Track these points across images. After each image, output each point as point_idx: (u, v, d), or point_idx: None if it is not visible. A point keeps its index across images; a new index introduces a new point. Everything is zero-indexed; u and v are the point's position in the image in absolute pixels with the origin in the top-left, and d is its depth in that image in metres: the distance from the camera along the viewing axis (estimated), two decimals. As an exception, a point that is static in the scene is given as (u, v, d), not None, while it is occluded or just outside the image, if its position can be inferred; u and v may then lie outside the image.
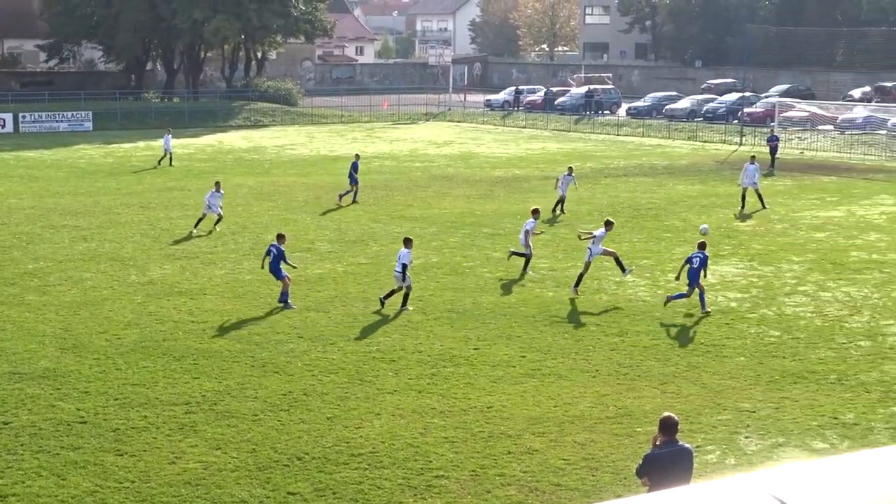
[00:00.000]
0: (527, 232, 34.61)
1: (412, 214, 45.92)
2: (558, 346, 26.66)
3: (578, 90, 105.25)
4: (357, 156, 51.54)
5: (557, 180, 47.16)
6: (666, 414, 14.53)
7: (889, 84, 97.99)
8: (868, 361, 25.43)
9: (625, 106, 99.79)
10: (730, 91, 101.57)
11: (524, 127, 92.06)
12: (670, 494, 9.75)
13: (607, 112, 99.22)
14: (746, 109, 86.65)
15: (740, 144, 74.51)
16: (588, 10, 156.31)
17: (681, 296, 29.99)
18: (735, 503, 8.93)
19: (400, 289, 30.23)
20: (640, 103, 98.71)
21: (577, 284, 31.83)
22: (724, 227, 42.95)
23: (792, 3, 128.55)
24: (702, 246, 30.33)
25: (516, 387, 23.58)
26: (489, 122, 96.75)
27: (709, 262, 30.40)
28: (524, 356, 25.86)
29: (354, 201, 48.59)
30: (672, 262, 35.97)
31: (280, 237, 31.65)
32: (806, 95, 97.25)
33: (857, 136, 74.17)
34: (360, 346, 26.66)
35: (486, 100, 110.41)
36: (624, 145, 76.71)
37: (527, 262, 34.76)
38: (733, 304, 30.75)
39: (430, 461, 19.47)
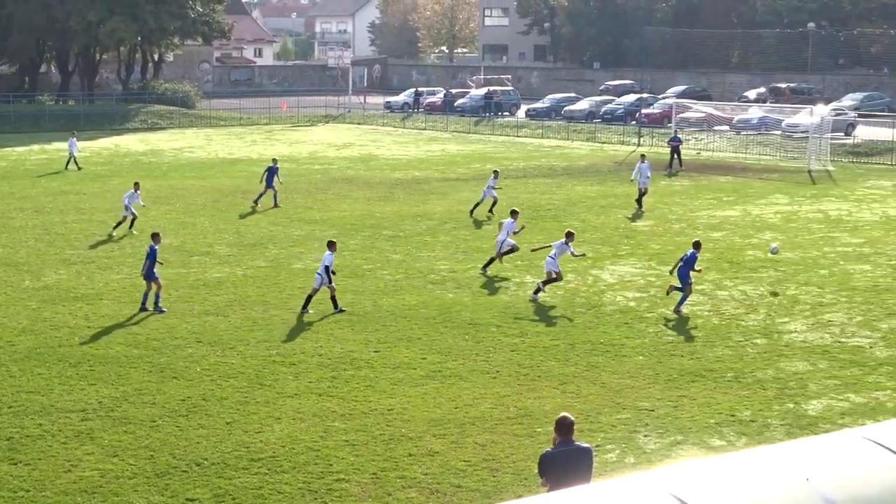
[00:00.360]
0: (507, 232, 35.02)
1: (312, 217, 45.73)
2: (459, 348, 26.67)
3: (478, 92, 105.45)
4: (274, 160, 51.26)
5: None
6: (562, 414, 14.55)
7: (783, 85, 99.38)
8: (764, 359, 25.75)
9: (524, 107, 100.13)
10: (628, 92, 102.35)
11: (424, 129, 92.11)
12: (570, 494, 9.76)
13: (507, 114, 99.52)
14: (644, 111, 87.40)
15: (638, 145, 75.12)
16: (487, 13, 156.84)
17: (678, 289, 30.29)
18: (634, 502, 8.97)
19: (316, 291, 30.09)
20: (539, 105, 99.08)
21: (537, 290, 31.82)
22: (622, 227, 43.29)
23: (688, 5, 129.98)
24: (696, 245, 30.82)
25: (417, 389, 23.55)
26: (389, 124, 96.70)
27: (696, 260, 30.49)
28: (425, 358, 25.84)
29: (276, 205, 48.18)
30: (571, 263, 36.14)
31: (155, 236, 31.23)
32: (702, 96, 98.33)
33: (752, 137, 75.10)
34: (259, 350, 26.49)
35: (386, 102, 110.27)
36: (523, 147, 77.02)
37: (490, 261, 35.11)
38: (632, 304, 30.99)
39: (331, 465, 19.38)
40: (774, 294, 31.98)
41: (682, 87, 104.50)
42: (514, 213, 36.17)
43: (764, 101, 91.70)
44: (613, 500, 8.99)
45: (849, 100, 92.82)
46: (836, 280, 33.68)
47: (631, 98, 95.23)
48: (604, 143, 78.75)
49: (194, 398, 22.88)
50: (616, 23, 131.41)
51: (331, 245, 30.69)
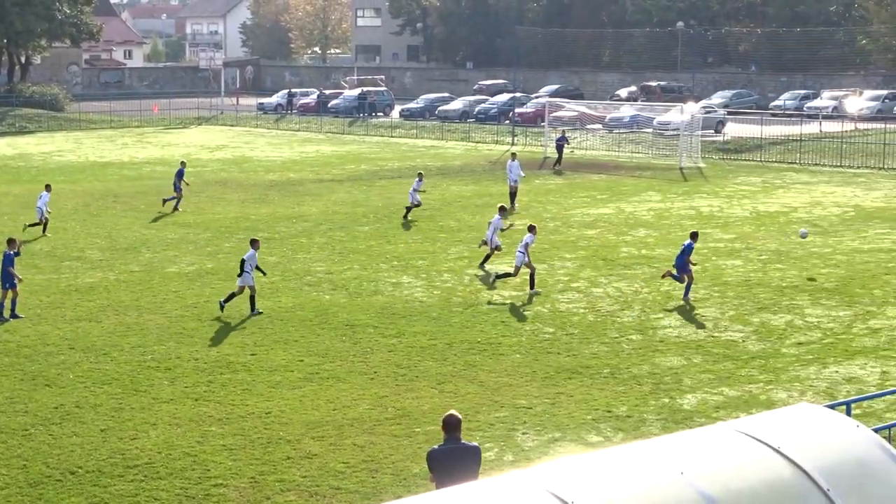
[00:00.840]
0: (495, 229, 35.60)
1: (185, 220, 45.27)
2: (336, 350, 26.59)
3: (352, 93, 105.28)
4: (182, 163, 50.87)
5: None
6: (449, 412, 14.65)
7: (654, 83, 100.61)
8: (639, 354, 26.03)
9: (398, 108, 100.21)
10: (501, 92, 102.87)
11: (298, 130, 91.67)
12: (448, 493, 9.76)
13: (381, 114, 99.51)
14: (517, 110, 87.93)
15: (512, 144, 75.51)
16: (359, 13, 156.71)
17: (676, 277, 31.34)
18: (511, 499, 9.00)
19: (241, 290, 29.99)
20: (413, 105, 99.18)
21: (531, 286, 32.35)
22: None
23: (559, 5, 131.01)
24: (693, 236, 32.14)
25: (294, 391, 23.43)
26: (262, 125, 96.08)
27: (692, 250, 31.53)
28: (302, 360, 25.72)
29: (176, 209, 47.62)
30: (447, 263, 36.26)
31: (11, 242, 30.70)
32: (574, 95, 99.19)
33: (624, 135, 75.95)
34: (134, 356, 26.15)
35: (259, 103, 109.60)
36: (398, 147, 77.03)
37: (487, 258, 35.70)
38: (508, 303, 31.13)
39: (209, 470, 19.20)
40: (812, 279, 33.10)
41: (554, 87, 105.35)
42: (502, 210, 36.67)
43: (635, 100, 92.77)
44: (491, 499, 9.02)
45: (718, 97, 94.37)
46: (709, 275, 34.16)
47: (504, 97, 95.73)
48: (478, 142, 79.05)
49: (67, 406, 22.52)
50: (488, 23, 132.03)
51: (253, 243, 30.76)
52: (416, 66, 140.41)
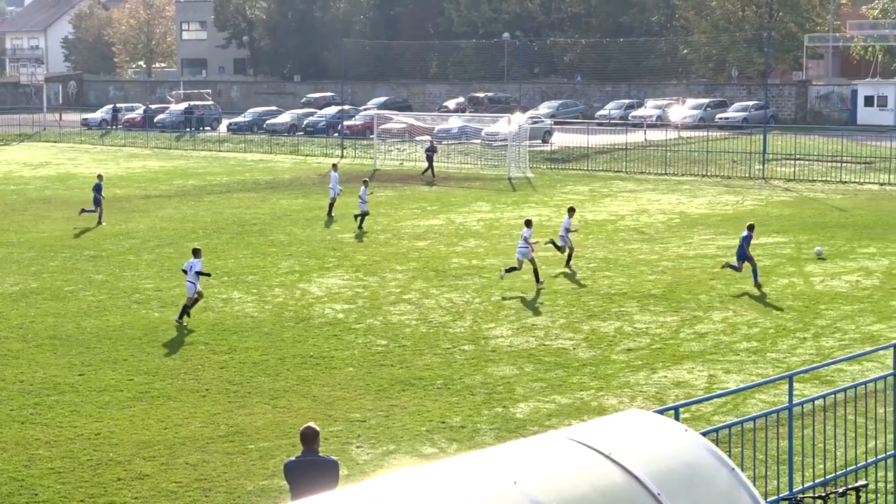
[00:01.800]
0: (565, 234, 37.31)
1: (8, 239, 44.22)
2: (167, 368, 26.20)
3: (178, 107, 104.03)
4: (100, 176, 50.27)
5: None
6: (306, 425, 14.76)
7: (481, 95, 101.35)
8: (472, 365, 26.16)
9: (226, 122, 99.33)
10: (329, 105, 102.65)
11: (124, 146, 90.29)
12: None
13: (208, 128, 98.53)
14: (346, 122, 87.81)
15: (341, 157, 75.41)
16: (184, 26, 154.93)
17: (733, 267, 34.14)
18: (345, 516, 8.92)
19: (192, 300, 30.34)
20: (240, 119, 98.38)
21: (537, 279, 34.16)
22: (328, 239, 43.34)
23: (386, 17, 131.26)
24: (750, 227, 34.61)
25: (124, 411, 23.01)
26: (87, 141, 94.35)
27: (749, 241, 33.77)
28: (132, 379, 25.28)
29: (99, 223, 46.94)
30: (278, 277, 36.03)
31: None
32: (403, 107, 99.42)
33: (453, 146, 76.35)
34: (-44, 380, 25.42)
35: (83, 119, 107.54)
36: (226, 161, 76.35)
37: (569, 257, 37.52)
38: (340, 316, 31.04)
39: (36, 494, 18.75)
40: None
41: (383, 99, 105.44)
42: (571, 211, 38.33)
43: (463, 111, 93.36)
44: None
45: (545, 107, 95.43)
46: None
47: (333, 110, 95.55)
48: (307, 155, 78.77)
49: None
50: (315, 35, 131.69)
51: (196, 252, 31.03)
52: (243, 79, 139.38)
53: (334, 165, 51.42)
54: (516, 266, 34.55)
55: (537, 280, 34.00)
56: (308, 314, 31.26)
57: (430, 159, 63.90)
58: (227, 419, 22.48)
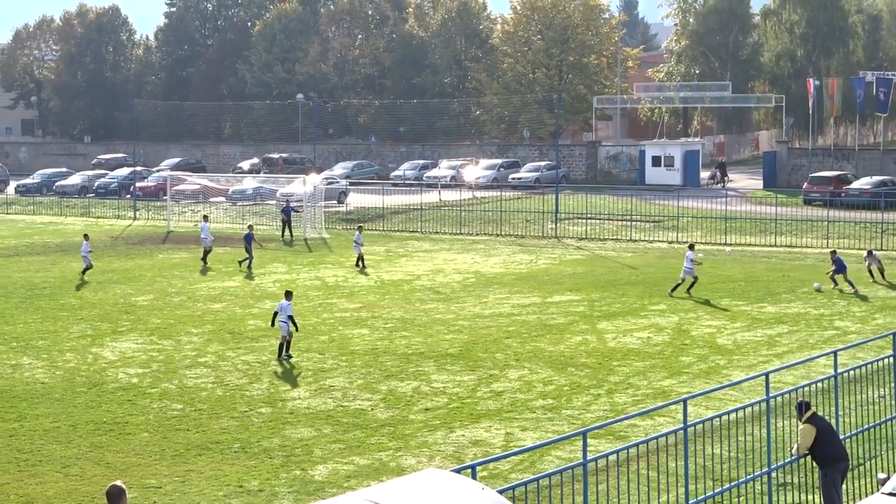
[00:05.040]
0: (691, 260, 42.35)
1: None
2: (-48, 437, 25.36)
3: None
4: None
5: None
6: (112, 483, 14.53)
7: (276, 155, 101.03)
8: (269, 427, 25.95)
9: (13, 184, 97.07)
10: (121, 165, 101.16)
11: None
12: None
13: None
14: (139, 184, 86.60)
15: (134, 219, 74.36)
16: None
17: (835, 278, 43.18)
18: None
19: (286, 339, 32.68)
20: (29, 180, 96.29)
21: None
22: (121, 302, 42.57)
23: (178, 77, 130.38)
24: (833, 253, 44.56)
25: None
26: None
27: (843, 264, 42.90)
28: (-85, 451, 24.38)
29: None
30: (69, 342, 35.23)
31: None
32: (197, 168, 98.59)
33: (248, 207, 75.92)
34: None
35: None
36: (14, 224, 74.49)
37: (677, 287, 42.45)
38: (134, 380, 30.47)
39: None
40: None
41: (176, 160, 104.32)
42: (691, 247, 43.78)
43: (258, 172, 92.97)
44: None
45: (340, 168, 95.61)
46: (336, 345, 34.47)
47: (125, 171, 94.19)
48: (99, 217, 77.40)
49: None
50: (105, 96, 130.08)
51: (288, 295, 33.61)
52: (31, 140, 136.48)
53: (205, 216, 55.38)
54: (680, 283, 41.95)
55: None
56: (101, 379, 30.62)
57: (287, 218, 63.36)
58: (17, 489, 21.85)
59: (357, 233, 52.87)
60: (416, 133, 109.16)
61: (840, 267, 43.14)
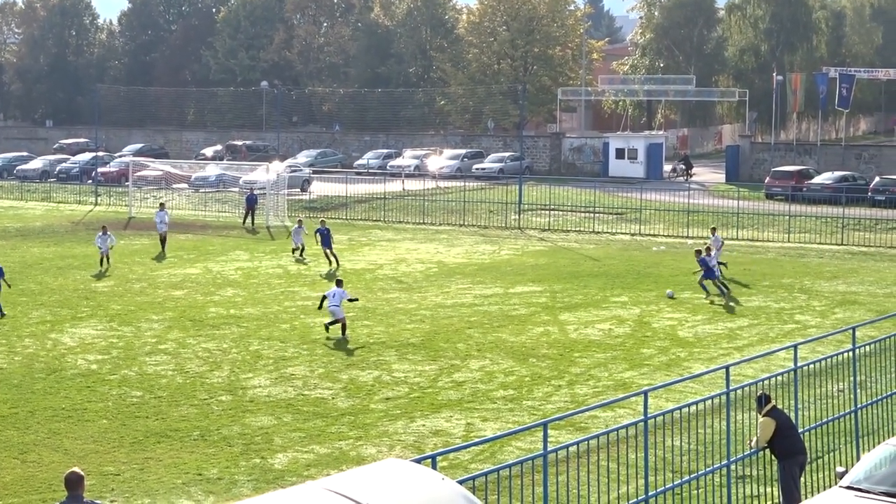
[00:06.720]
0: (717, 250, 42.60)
1: None
2: None
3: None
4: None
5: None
6: (70, 470, 14.54)
7: (239, 143, 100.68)
8: (229, 415, 25.85)
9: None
10: (83, 151, 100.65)
11: None
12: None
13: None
14: (101, 169, 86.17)
15: (96, 204, 74.00)
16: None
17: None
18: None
19: (337, 321, 33.78)
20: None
21: None
22: (81, 288, 42.34)
23: (141, 63, 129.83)
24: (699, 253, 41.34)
25: None
26: None
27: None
28: None
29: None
30: (29, 327, 35.01)
31: None
32: (160, 154, 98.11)
33: (211, 194, 75.66)
34: None
35: None
36: (-25, 208, 74.03)
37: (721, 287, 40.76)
38: (94, 367, 30.30)
39: None
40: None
41: (138, 145, 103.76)
42: (714, 230, 46.17)
43: (221, 159, 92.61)
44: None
45: (304, 156, 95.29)
46: (298, 333, 34.38)
47: (87, 156, 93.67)
48: (60, 202, 76.98)
49: None
50: (68, 80, 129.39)
51: (339, 283, 35.19)
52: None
53: (161, 205, 55.03)
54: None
55: (723, 289, 40.35)
56: (60, 365, 30.44)
57: (251, 206, 63.10)
58: (-26, 475, 21.70)
59: (296, 225, 52.66)
60: (380, 122, 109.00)
61: (708, 271, 40.16)
